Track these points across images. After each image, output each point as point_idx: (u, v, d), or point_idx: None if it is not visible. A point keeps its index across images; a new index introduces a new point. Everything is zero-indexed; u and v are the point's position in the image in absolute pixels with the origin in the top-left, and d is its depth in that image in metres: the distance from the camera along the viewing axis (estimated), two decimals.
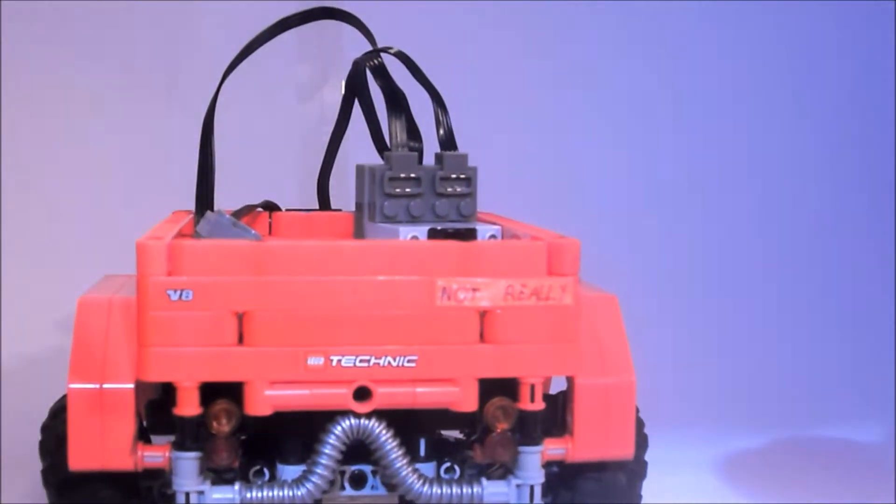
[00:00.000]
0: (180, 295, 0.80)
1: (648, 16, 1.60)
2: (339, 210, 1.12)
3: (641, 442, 0.97)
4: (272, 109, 1.50)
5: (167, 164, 1.41)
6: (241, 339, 0.81)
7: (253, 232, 0.93)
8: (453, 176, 0.96)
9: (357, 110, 1.06)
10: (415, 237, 0.90)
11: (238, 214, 1.02)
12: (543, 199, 1.50)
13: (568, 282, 0.84)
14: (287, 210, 1.11)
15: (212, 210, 1.02)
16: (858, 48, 1.67)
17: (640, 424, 0.96)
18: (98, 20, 1.47)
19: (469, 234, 0.88)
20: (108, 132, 1.48)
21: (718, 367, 1.56)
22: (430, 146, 1.00)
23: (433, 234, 0.89)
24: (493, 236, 0.93)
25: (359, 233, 1.00)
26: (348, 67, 1.04)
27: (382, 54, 1.01)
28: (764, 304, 1.63)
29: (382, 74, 1.00)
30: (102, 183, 1.48)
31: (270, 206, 1.11)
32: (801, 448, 1.42)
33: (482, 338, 0.84)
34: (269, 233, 1.10)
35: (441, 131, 1.00)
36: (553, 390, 0.93)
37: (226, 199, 1.06)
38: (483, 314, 0.83)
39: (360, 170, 0.99)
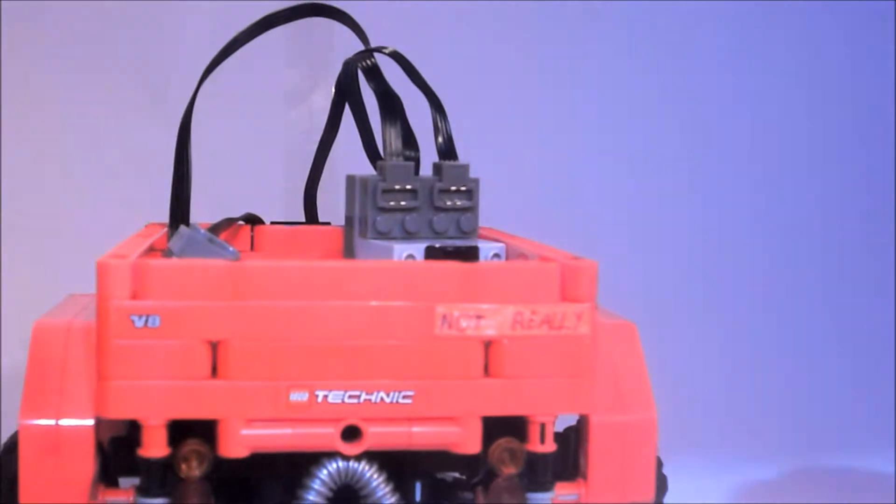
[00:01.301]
0: (146, 321, 0.76)
1: (654, 17, 1.60)
2: (328, 224, 1.10)
3: (661, 484, 0.93)
4: (257, 115, 1.48)
5: (149, 171, 1.38)
6: (214, 372, 0.77)
7: (231, 249, 0.89)
8: (453, 188, 0.93)
9: (348, 115, 1.03)
10: (411, 256, 0.87)
11: (215, 229, 1.00)
12: (551, 214, 1.49)
13: (584, 309, 0.80)
14: (271, 223, 1.09)
15: (187, 224, 0.99)
16: (858, 48, 1.68)
17: (658, 464, 0.91)
18: (72, 20, 1.45)
19: (471, 253, 0.84)
20: (83, 136, 1.45)
21: (731, 395, 1.57)
22: (428, 155, 0.97)
23: (431, 252, 0.85)
24: (496, 255, 0.90)
25: (349, 250, 0.98)
26: (339, 70, 1.02)
27: (376, 54, 0.98)
28: (778, 332, 1.64)
29: (376, 76, 0.97)
30: (78, 191, 1.45)
31: (253, 220, 1.08)
32: (815, 477, 1.46)
33: (487, 371, 0.80)
34: (252, 248, 1.08)
35: (440, 139, 0.97)
36: (559, 425, 0.88)
37: (206, 211, 1.04)
38: (488, 345, 0.80)
39: (350, 181, 0.97)
